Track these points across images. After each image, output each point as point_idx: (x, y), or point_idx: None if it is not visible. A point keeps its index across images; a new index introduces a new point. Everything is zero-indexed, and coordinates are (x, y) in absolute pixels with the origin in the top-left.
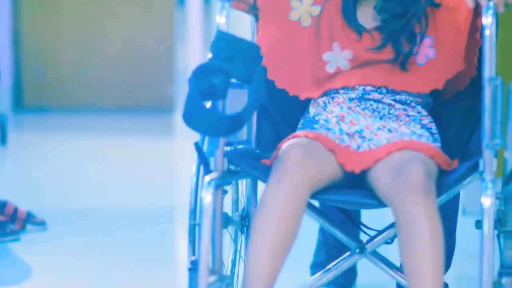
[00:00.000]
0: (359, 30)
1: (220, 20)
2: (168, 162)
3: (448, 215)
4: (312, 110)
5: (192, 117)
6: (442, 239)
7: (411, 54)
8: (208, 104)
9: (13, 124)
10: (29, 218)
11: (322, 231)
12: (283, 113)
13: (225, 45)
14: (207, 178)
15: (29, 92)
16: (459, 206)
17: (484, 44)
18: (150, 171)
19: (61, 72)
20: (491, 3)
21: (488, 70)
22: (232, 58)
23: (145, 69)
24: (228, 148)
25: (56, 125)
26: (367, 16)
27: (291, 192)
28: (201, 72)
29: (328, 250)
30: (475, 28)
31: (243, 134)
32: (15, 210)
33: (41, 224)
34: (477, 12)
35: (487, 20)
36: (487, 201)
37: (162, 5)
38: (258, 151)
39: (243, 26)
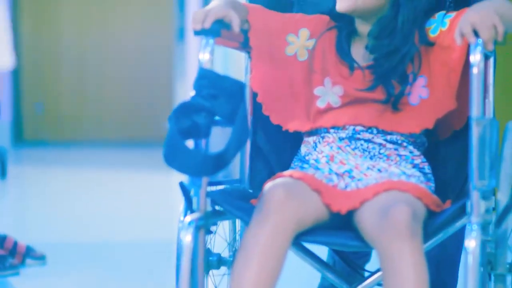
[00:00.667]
0: (352, 65)
1: (203, 56)
2: (166, 196)
3: (452, 251)
4: (303, 150)
5: (173, 157)
6: (427, 284)
7: (403, 95)
8: (191, 143)
9: (13, 157)
10: (29, 252)
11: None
12: (277, 152)
13: (208, 82)
14: (188, 218)
15: (29, 125)
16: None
17: (471, 82)
18: (149, 205)
19: (61, 106)
20: (479, 40)
21: (476, 109)
22: (216, 96)
23: (144, 104)
24: (216, 188)
25: (56, 158)
26: (360, 53)
27: (273, 234)
28: (183, 110)
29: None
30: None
31: (235, 173)
32: (15, 244)
33: (41, 258)
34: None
35: (475, 57)
36: (472, 244)
37: (161, 40)
38: (251, 191)
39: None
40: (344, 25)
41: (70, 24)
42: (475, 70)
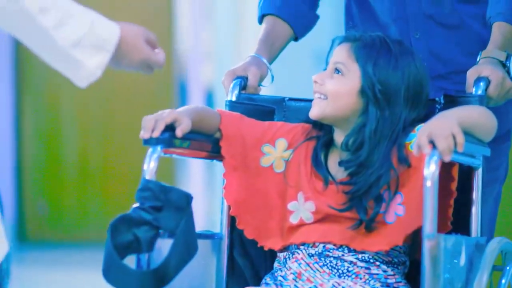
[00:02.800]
0: (326, 179)
1: (148, 166)
2: None
3: None
4: (275, 265)
5: (109, 273)
6: None
7: (375, 217)
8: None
9: (16, 259)
10: None
11: None
12: (252, 267)
13: (151, 194)
14: None
15: (32, 226)
16: None
17: (425, 196)
18: None
19: (63, 206)
20: (435, 151)
21: (429, 225)
22: (160, 208)
23: None
24: None
25: (59, 260)
26: (336, 166)
27: None
28: (122, 223)
29: None
30: (450, 178)
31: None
32: None
33: None
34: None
35: (429, 169)
36: None
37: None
38: None
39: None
40: (323, 135)
41: (70, 122)
42: (428, 183)
